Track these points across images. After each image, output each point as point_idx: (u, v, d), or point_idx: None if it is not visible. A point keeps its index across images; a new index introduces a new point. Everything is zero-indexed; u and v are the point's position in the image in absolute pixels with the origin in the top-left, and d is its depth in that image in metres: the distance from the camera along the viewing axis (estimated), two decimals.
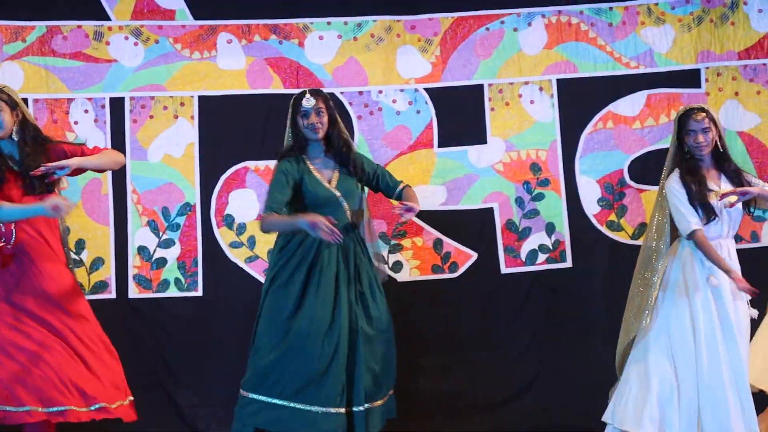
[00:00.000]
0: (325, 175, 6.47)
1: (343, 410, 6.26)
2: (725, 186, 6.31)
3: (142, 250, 7.63)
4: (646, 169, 7.84)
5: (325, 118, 6.43)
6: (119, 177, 7.62)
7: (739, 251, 7.61)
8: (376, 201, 7.78)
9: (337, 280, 6.36)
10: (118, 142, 7.62)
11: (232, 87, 7.71)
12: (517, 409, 7.73)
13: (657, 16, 7.87)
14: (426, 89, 7.87)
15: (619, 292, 7.28)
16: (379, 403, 6.48)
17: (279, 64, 7.82)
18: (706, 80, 7.84)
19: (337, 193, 6.45)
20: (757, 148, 7.78)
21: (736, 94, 7.84)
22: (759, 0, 7.83)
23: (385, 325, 6.55)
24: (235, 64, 7.75)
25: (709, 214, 6.29)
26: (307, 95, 6.44)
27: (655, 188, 7.73)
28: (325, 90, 7.76)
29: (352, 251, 6.47)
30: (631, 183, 7.84)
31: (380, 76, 7.87)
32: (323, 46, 7.85)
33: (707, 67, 7.85)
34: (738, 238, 7.70)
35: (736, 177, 6.38)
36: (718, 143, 6.38)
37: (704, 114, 6.32)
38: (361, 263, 6.48)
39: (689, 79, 7.87)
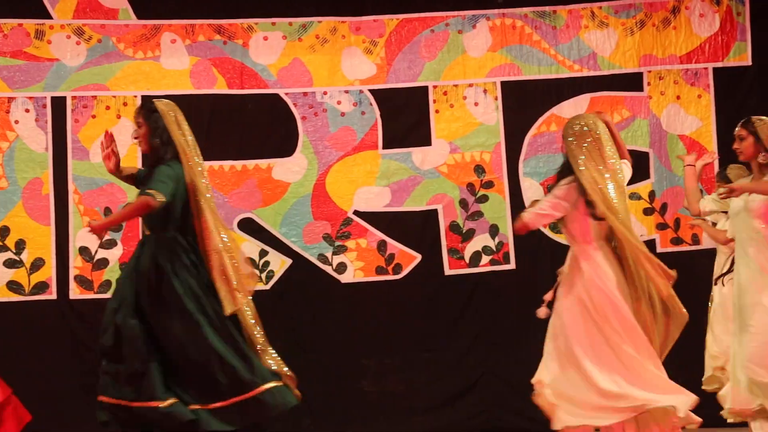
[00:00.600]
0: None
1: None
2: None
3: (83, 250, 7.59)
4: None
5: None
6: (60, 177, 7.60)
7: (680, 253, 7.90)
8: (320, 202, 7.83)
9: None
10: (59, 142, 7.60)
11: (175, 87, 7.70)
12: (459, 410, 7.78)
13: (600, 20, 7.95)
14: (371, 90, 7.91)
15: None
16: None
17: (223, 64, 7.83)
18: (649, 84, 7.93)
19: None
20: (698, 152, 7.82)
21: (678, 97, 7.93)
22: (700, 5, 7.94)
23: None
24: (178, 64, 7.74)
25: None
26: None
27: None
28: (269, 91, 7.88)
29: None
30: None
31: (325, 78, 7.89)
32: (268, 46, 7.85)
33: (649, 71, 7.94)
34: (678, 241, 7.90)
35: None
36: None
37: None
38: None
39: (632, 82, 7.96)
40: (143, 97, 6.28)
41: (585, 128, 5.44)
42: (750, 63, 7.93)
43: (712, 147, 7.92)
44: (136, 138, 5.81)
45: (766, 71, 7.93)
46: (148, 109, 5.76)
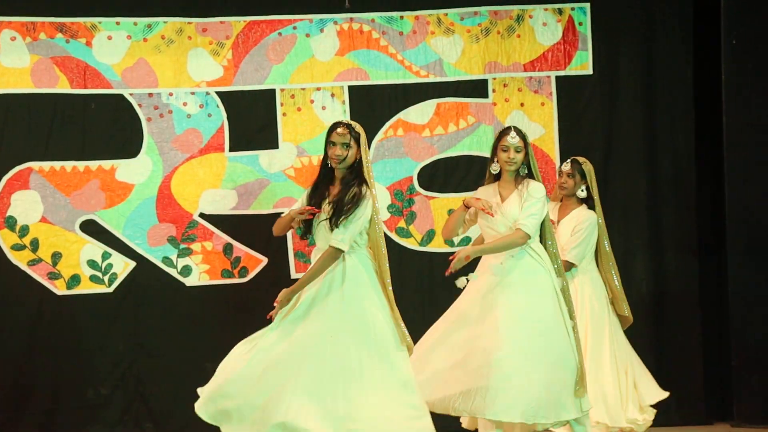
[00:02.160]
0: None
1: None
2: None
3: None
4: (435, 176, 8.02)
5: None
6: None
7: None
8: (164, 205, 7.76)
9: None
10: None
11: (15, 85, 7.56)
12: None
13: (447, 27, 8.02)
14: (217, 93, 7.86)
15: (408, 297, 7.42)
16: None
17: (66, 63, 7.70)
18: (494, 91, 8.02)
19: None
20: (540, 158, 8.00)
21: (522, 105, 8.05)
22: (544, 14, 8.06)
23: None
24: (18, 62, 7.60)
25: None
26: None
27: (444, 196, 8.02)
28: (113, 91, 7.77)
29: None
30: (420, 190, 7.98)
31: (171, 78, 7.82)
32: (112, 46, 7.75)
33: (494, 78, 8.04)
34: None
35: None
36: None
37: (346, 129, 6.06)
38: None
39: (477, 89, 8.05)
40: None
41: None
42: (591, 72, 8.06)
43: (554, 154, 8.05)
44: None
45: (607, 80, 8.08)
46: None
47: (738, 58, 7.92)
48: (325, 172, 5.99)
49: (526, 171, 6.24)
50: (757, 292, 7.80)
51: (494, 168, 6.25)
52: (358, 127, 5.95)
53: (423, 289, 7.98)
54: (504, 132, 6.24)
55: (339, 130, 5.89)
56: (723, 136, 7.94)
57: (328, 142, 5.91)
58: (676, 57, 8.10)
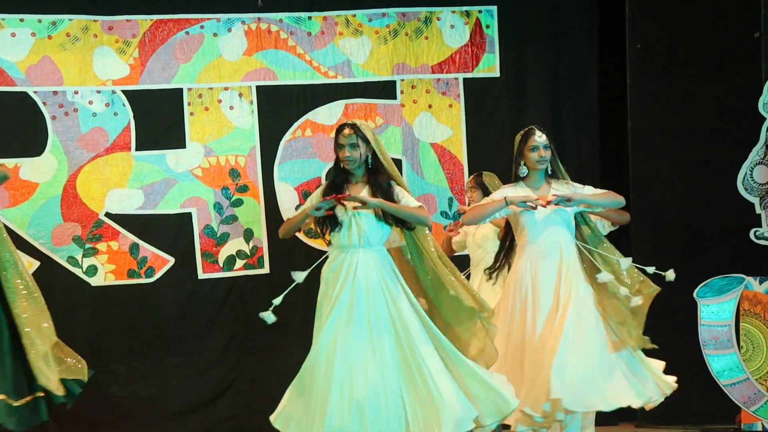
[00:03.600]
0: None
1: None
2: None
3: None
4: None
5: None
6: None
7: None
8: (70, 204, 7.71)
9: None
10: None
11: None
12: (211, 414, 7.78)
13: (355, 28, 8.05)
14: (124, 91, 7.82)
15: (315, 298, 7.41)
16: None
17: None
18: (402, 92, 8.07)
19: None
20: (448, 160, 8.06)
21: (430, 106, 8.10)
22: (451, 16, 8.12)
23: None
24: None
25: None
26: None
27: None
28: (16, 89, 7.68)
29: None
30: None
31: (76, 77, 7.76)
32: (15, 43, 7.68)
33: (402, 79, 8.08)
34: None
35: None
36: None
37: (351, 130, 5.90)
38: None
39: (386, 90, 8.09)
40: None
41: None
42: (498, 74, 8.14)
43: (462, 156, 8.11)
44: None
45: (513, 82, 8.17)
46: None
47: (642, 62, 8.04)
48: (340, 172, 5.90)
49: (551, 169, 6.24)
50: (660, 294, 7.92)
51: (522, 171, 6.20)
52: (364, 125, 5.89)
53: None
54: (529, 132, 6.22)
55: (345, 131, 5.82)
56: (628, 139, 8.06)
57: (337, 146, 5.85)
58: (581, 60, 8.22)
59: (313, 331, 5.81)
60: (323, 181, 7.94)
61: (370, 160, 5.82)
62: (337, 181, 5.88)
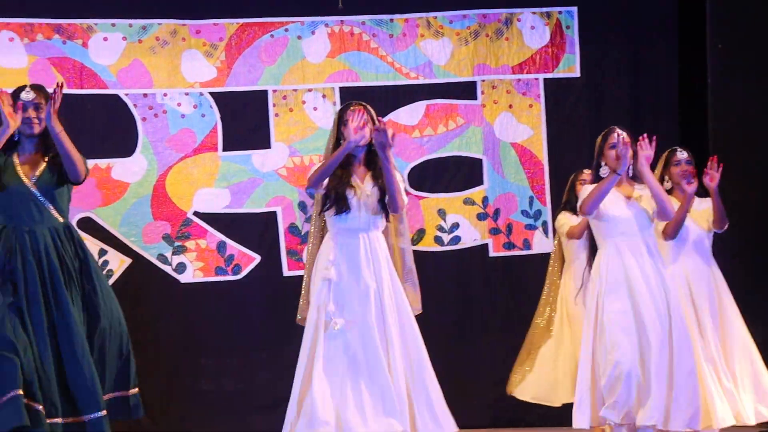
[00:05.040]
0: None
1: None
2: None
3: None
4: (425, 176, 8.18)
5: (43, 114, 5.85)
6: None
7: (511, 257, 8.21)
8: (159, 203, 7.92)
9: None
10: None
11: (13, 85, 7.30)
12: None
13: (436, 29, 8.18)
14: (211, 93, 8.01)
15: None
16: None
17: (62, 64, 7.84)
18: (482, 92, 8.17)
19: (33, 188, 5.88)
20: (529, 159, 8.16)
21: (510, 106, 8.20)
22: (532, 17, 8.22)
23: None
24: (16, 62, 7.74)
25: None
26: (27, 88, 5.95)
27: (434, 196, 8.19)
28: (108, 91, 7.91)
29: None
30: (411, 190, 8.12)
31: (165, 79, 7.96)
32: (108, 47, 7.89)
33: (483, 80, 8.19)
34: (510, 245, 8.18)
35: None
36: None
37: (362, 108, 6.10)
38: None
39: (466, 90, 8.20)
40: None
41: None
42: (578, 74, 8.22)
43: (542, 155, 8.20)
44: (32, 118, 5.85)
45: (593, 82, 8.23)
46: (46, 90, 5.90)
47: (724, 62, 8.06)
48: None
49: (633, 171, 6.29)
50: None
51: (604, 170, 6.24)
52: (369, 108, 6.06)
53: None
54: (609, 132, 6.28)
55: (354, 107, 5.99)
56: (708, 139, 8.07)
57: (342, 122, 5.98)
58: (661, 60, 8.26)
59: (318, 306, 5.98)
60: (406, 182, 8.11)
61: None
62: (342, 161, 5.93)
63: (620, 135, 6.23)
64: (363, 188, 5.91)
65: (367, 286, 5.88)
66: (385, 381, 5.76)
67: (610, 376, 5.98)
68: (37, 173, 5.83)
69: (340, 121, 5.99)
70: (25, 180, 5.79)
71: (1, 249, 5.73)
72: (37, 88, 5.96)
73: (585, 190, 6.28)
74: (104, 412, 5.73)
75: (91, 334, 5.86)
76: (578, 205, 6.34)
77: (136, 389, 6.05)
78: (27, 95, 5.86)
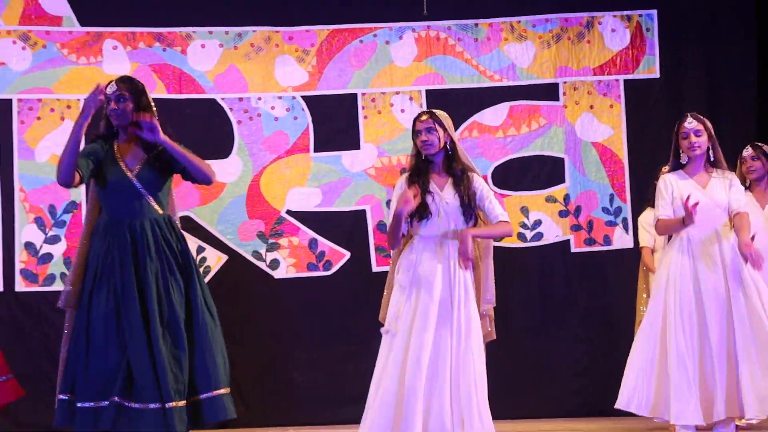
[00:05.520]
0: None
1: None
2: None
3: (28, 245, 7.92)
4: (508, 175, 8.38)
5: (129, 105, 5.78)
6: (6, 175, 7.92)
7: (592, 253, 8.36)
8: (254, 202, 8.20)
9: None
10: (5, 142, 7.92)
11: None
12: None
13: (519, 33, 8.39)
14: (303, 97, 8.29)
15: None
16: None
17: (162, 70, 8.17)
18: (564, 94, 8.35)
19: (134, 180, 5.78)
20: (609, 158, 8.33)
21: (591, 107, 8.38)
22: (612, 21, 8.40)
23: None
24: (120, 69, 8.02)
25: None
26: (112, 82, 5.81)
27: (517, 194, 8.35)
28: (206, 96, 8.22)
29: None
30: (495, 188, 8.30)
31: (259, 84, 8.26)
32: (205, 54, 8.21)
33: (565, 82, 8.38)
34: (591, 241, 8.36)
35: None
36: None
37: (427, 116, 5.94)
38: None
39: (549, 92, 8.39)
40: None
41: None
42: (658, 75, 8.37)
43: (622, 154, 8.36)
44: (114, 110, 5.71)
45: (673, 83, 8.38)
46: (135, 84, 5.83)
47: None
48: (420, 161, 5.93)
49: (713, 157, 6.29)
50: None
51: (683, 159, 6.28)
52: (441, 114, 5.93)
53: (497, 284, 8.23)
54: (682, 119, 6.32)
55: (421, 117, 5.89)
56: None
57: (414, 133, 5.90)
58: (739, 61, 8.37)
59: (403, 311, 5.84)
60: (490, 180, 8.36)
61: (449, 146, 5.87)
62: (419, 169, 5.89)
63: (690, 123, 6.25)
64: (443, 195, 5.83)
65: (440, 294, 5.76)
66: (445, 384, 5.67)
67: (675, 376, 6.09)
68: (138, 166, 5.78)
69: (413, 131, 5.91)
70: (127, 172, 5.75)
71: (101, 241, 5.73)
72: (122, 80, 5.86)
73: (659, 208, 6.29)
74: (223, 390, 5.70)
75: (188, 326, 5.78)
76: (654, 224, 6.43)
77: (226, 389, 5.77)
78: (110, 88, 5.75)
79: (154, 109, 5.82)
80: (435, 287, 5.74)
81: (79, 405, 5.57)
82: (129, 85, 5.82)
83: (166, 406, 5.48)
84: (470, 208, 5.82)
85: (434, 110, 5.99)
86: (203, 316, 5.73)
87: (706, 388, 6.09)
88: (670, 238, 6.40)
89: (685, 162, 6.30)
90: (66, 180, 5.61)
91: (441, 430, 5.59)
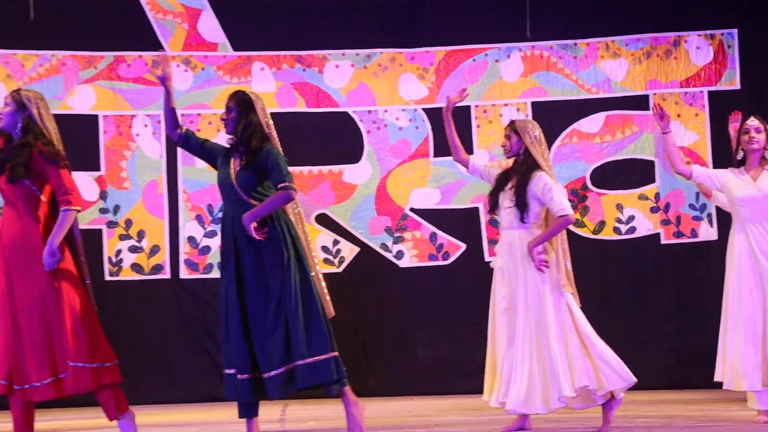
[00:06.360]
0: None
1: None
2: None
3: (191, 239, 8.91)
4: (604, 176, 9.04)
5: (232, 114, 5.96)
6: (172, 179, 8.89)
7: (680, 245, 8.98)
8: (381, 201, 9.01)
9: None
10: (171, 150, 8.86)
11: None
12: None
13: (614, 51, 9.06)
14: (423, 109, 9.06)
15: (583, 279, 8.38)
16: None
17: (302, 87, 9.03)
18: (654, 104, 8.88)
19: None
20: (695, 161, 8.80)
21: (678, 116, 8.99)
22: (697, 39, 9.03)
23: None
24: (266, 87, 8.91)
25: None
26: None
27: (612, 192, 8.98)
28: (339, 109, 9.03)
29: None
30: (592, 188, 9.03)
31: (385, 98, 9.06)
32: (339, 73, 9.05)
33: (655, 93, 9.01)
34: (679, 234, 9.01)
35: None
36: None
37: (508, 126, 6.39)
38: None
39: (640, 102, 9.02)
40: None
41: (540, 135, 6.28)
42: (738, 87, 8.94)
43: (707, 157, 8.92)
44: (223, 120, 5.96)
45: (753, 94, 8.91)
46: (240, 96, 5.99)
47: None
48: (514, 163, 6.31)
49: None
50: None
51: (739, 155, 6.63)
52: (523, 122, 6.30)
53: (596, 272, 8.88)
54: (745, 118, 6.62)
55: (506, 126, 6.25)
56: None
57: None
58: None
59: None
60: (588, 181, 9.04)
61: (521, 152, 6.20)
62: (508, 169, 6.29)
63: (753, 122, 6.60)
64: (506, 192, 6.23)
65: (523, 275, 6.16)
66: (547, 350, 6.09)
67: None
68: (237, 169, 5.88)
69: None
70: (231, 174, 5.88)
71: (221, 236, 6.01)
72: (231, 95, 6.01)
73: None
74: (330, 354, 5.83)
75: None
76: None
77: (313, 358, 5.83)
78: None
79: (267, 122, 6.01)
80: (511, 269, 6.22)
81: (238, 377, 5.81)
82: (237, 99, 5.99)
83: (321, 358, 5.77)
84: (524, 204, 6.12)
85: (516, 120, 6.41)
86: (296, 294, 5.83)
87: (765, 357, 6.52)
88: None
89: (741, 157, 6.62)
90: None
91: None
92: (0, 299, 5.62)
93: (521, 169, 6.26)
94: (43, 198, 5.69)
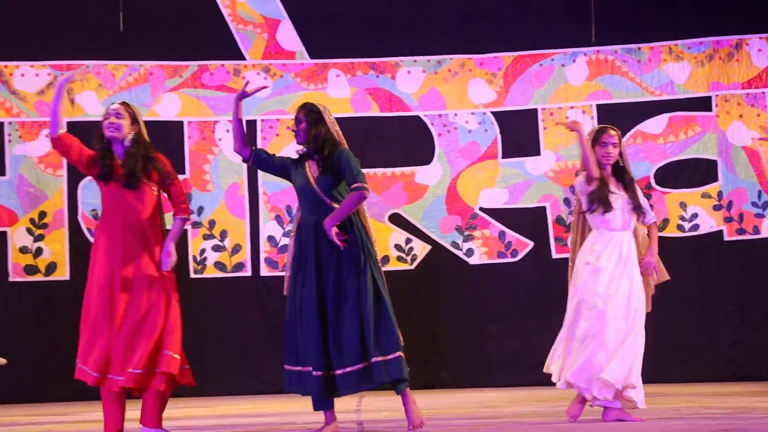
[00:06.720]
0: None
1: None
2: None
3: (270, 238, 9.36)
4: (668, 175, 9.34)
5: (302, 125, 6.08)
6: (253, 182, 9.33)
7: (742, 241, 9.27)
8: (452, 201, 9.39)
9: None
10: None
11: (339, 111, 8.83)
12: None
13: (676, 54, 9.34)
14: (492, 112, 9.43)
15: None
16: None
17: (376, 93, 9.44)
18: (716, 105, 9.29)
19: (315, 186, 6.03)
20: (757, 159, 9.08)
21: (741, 116, 9.27)
22: (758, 41, 9.28)
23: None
24: (341, 93, 9.36)
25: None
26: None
27: (676, 191, 9.30)
28: (411, 113, 9.42)
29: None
30: (656, 187, 9.34)
31: (455, 102, 9.44)
32: (411, 78, 9.45)
33: (717, 95, 9.30)
34: (742, 231, 9.27)
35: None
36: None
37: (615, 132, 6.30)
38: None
39: (703, 104, 9.31)
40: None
41: None
42: None
43: None
44: (293, 131, 6.11)
45: None
46: (309, 108, 6.08)
47: None
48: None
49: None
50: None
51: None
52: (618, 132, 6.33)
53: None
54: None
55: (609, 132, 6.26)
56: None
57: (600, 144, 6.25)
58: None
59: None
60: (652, 180, 9.30)
61: (619, 161, 6.29)
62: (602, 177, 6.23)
63: None
64: (620, 194, 6.21)
65: (620, 273, 6.25)
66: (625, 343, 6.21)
67: None
68: (316, 175, 6.00)
69: (598, 143, 6.29)
70: (311, 180, 6.00)
71: (297, 239, 6.09)
72: (300, 107, 6.12)
73: None
74: (401, 353, 6.00)
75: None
76: None
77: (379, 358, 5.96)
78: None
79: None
80: (616, 267, 6.28)
81: (313, 374, 5.98)
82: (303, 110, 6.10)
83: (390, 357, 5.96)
84: (640, 207, 6.23)
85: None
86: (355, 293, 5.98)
87: None
88: None
89: None
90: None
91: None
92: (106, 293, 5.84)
93: (625, 175, 6.35)
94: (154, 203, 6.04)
